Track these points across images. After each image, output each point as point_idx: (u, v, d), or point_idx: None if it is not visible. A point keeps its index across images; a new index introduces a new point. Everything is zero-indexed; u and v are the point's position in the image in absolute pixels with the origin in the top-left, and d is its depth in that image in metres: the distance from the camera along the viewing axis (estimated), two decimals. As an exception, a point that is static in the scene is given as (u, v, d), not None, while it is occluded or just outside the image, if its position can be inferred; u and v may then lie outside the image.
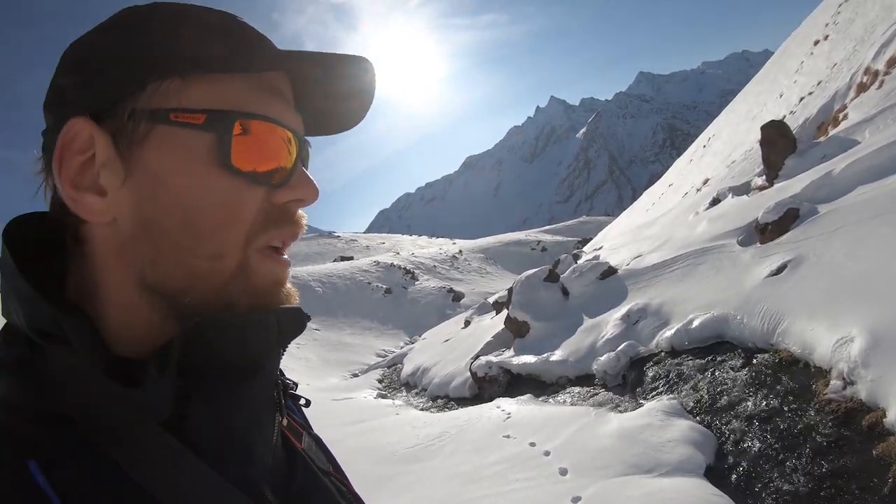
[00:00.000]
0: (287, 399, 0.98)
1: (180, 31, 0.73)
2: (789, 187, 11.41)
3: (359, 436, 10.19)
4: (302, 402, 1.03)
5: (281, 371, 0.93)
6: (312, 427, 1.04)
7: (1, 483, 0.58)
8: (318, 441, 1.02)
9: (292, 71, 0.80)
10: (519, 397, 10.57)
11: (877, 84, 15.52)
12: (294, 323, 0.81)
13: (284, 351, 0.83)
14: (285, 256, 0.80)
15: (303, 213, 0.81)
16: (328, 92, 0.85)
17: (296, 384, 1.01)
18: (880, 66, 16.30)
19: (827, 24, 32.68)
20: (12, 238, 0.73)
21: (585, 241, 50.56)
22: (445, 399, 14.74)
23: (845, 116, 15.58)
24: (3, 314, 0.73)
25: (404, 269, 47.24)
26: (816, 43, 31.32)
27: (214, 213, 0.71)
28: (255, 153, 0.73)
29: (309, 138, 0.89)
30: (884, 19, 20.82)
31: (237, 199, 0.73)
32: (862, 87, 16.55)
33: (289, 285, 0.81)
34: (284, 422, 0.92)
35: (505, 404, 9.93)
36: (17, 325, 0.69)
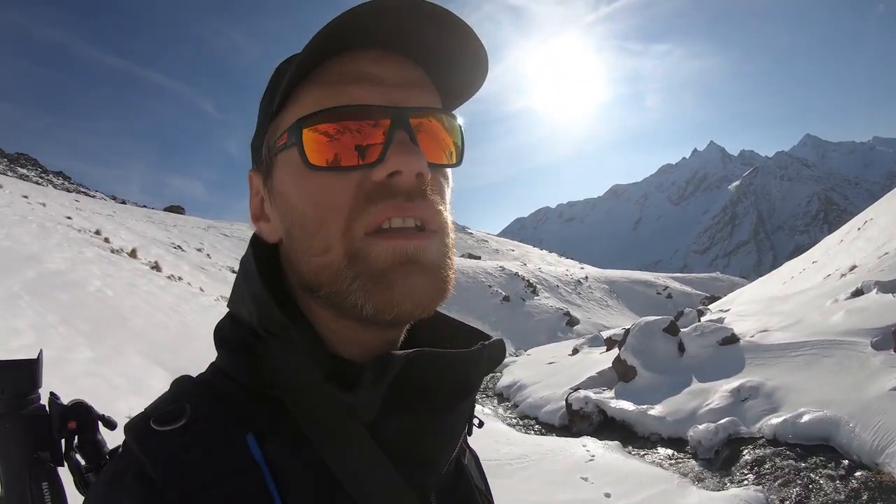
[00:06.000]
0: None
1: (275, 78, 0.89)
2: (942, 299, 10.76)
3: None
4: (476, 421, 1.03)
5: None
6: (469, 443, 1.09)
7: (224, 449, 0.76)
8: (476, 458, 1.11)
9: (372, 44, 0.81)
10: (606, 441, 10.47)
11: None
12: (499, 353, 0.89)
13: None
14: (411, 229, 0.79)
15: (411, 182, 0.78)
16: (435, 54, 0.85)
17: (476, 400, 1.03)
18: None
19: None
20: (257, 243, 0.91)
21: (713, 299, 48.68)
22: (534, 421, 14.74)
23: None
24: (228, 304, 0.93)
25: (527, 281, 47.16)
26: None
27: (314, 210, 0.79)
28: (328, 146, 0.78)
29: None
30: None
31: (327, 192, 0.78)
32: None
33: (431, 259, 0.80)
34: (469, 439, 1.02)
35: (591, 445, 9.88)
36: (241, 316, 0.88)
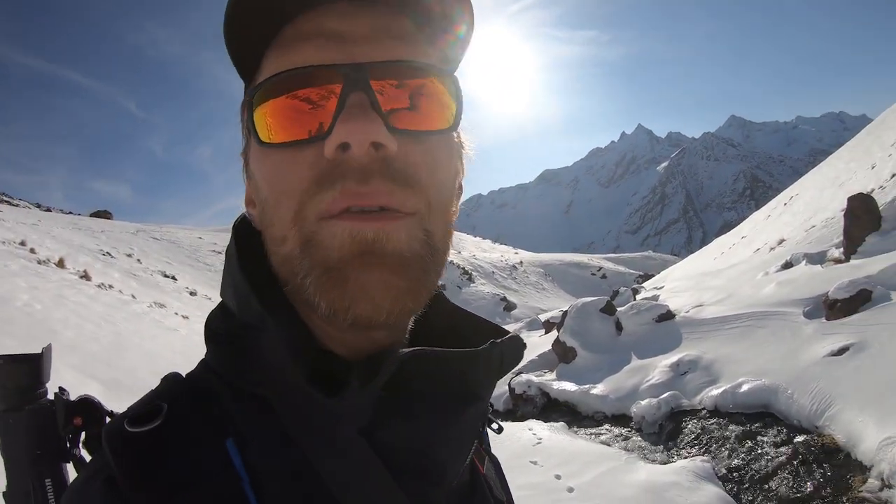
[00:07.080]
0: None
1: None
2: (866, 266, 11.15)
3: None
4: (495, 426, 0.96)
5: None
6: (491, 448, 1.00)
7: (198, 453, 0.67)
8: (497, 466, 1.02)
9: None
10: (552, 423, 10.55)
11: None
12: (514, 353, 0.79)
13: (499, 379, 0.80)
14: (374, 211, 0.65)
15: (364, 156, 0.64)
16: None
17: (490, 405, 0.93)
18: None
19: (935, 102, 31.53)
20: (241, 230, 0.80)
21: (647, 277, 49.82)
22: (478, 409, 14.76)
23: (941, 202, 15.05)
24: (220, 294, 0.81)
25: (463, 269, 47.36)
26: (920, 119, 30.25)
27: (270, 194, 0.70)
28: (279, 118, 0.67)
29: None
30: None
31: (281, 172, 0.68)
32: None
33: (397, 249, 0.65)
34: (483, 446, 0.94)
35: (537, 427, 9.93)
36: (230, 307, 0.77)
